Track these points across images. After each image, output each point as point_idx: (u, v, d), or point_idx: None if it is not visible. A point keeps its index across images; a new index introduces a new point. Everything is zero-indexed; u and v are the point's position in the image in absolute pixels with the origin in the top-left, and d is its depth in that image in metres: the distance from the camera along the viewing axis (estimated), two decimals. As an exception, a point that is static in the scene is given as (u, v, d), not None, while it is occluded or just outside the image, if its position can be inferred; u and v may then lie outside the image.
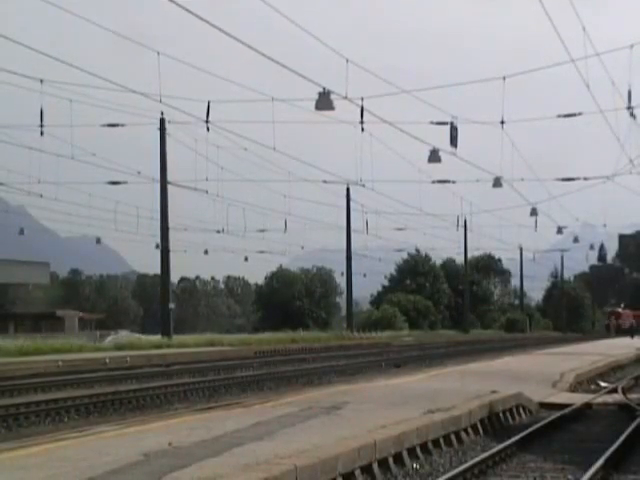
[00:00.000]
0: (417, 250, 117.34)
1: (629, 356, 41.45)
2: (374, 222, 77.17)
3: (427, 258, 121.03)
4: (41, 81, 33.69)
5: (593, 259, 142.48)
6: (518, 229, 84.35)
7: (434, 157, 33.02)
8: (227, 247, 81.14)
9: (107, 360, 38.42)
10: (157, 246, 62.85)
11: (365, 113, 27.24)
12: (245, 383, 29.51)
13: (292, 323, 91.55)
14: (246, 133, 40.97)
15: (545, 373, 27.84)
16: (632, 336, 74.42)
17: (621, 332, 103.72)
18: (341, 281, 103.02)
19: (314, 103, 26.05)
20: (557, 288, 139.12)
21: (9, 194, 57.30)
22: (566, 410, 19.15)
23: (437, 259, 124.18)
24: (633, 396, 22.58)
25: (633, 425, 16.40)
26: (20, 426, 19.30)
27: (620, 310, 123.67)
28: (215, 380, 30.06)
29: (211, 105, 30.57)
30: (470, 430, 15.87)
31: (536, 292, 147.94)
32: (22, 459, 10.67)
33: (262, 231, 74.23)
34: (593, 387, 27.38)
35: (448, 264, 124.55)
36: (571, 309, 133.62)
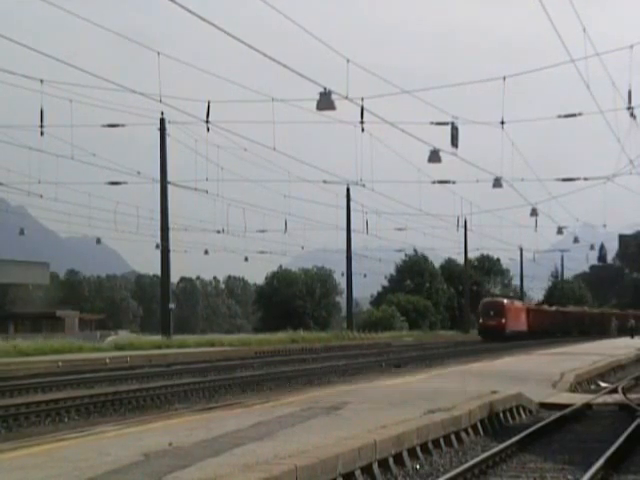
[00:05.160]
0: (415, 251, 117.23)
1: (630, 356, 41.41)
2: (374, 222, 77.19)
3: (426, 259, 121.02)
4: (41, 81, 33.62)
5: (593, 259, 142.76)
6: (518, 229, 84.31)
7: (434, 157, 32.97)
8: (227, 247, 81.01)
9: (107, 360, 38.46)
10: (157, 246, 62.96)
11: (365, 113, 27.21)
12: (245, 383, 29.50)
13: (292, 323, 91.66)
14: (246, 133, 40.95)
15: (545, 373, 27.82)
16: (632, 336, 74.11)
17: (501, 339, 68.58)
18: (341, 281, 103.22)
19: (315, 103, 26.03)
20: (557, 288, 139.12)
21: (9, 194, 57.21)
22: (566, 410, 19.14)
23: (437, 259, 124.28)
24: (633, 396, 22.54)
25: (633, 425, 16.38)
26: (20, 426, 19.30)
27: (505, 301, 79.15)
28: (215, 380, 30.05)
29: (211, 105, 30.52)
30: (470, 430, 15.86)
31: (536, 292, 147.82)
32: (22, 459, 10.67)
33: (262, 231, 74.23)
34: (593, 387, 27.37)
35: (448, 264, 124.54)
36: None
